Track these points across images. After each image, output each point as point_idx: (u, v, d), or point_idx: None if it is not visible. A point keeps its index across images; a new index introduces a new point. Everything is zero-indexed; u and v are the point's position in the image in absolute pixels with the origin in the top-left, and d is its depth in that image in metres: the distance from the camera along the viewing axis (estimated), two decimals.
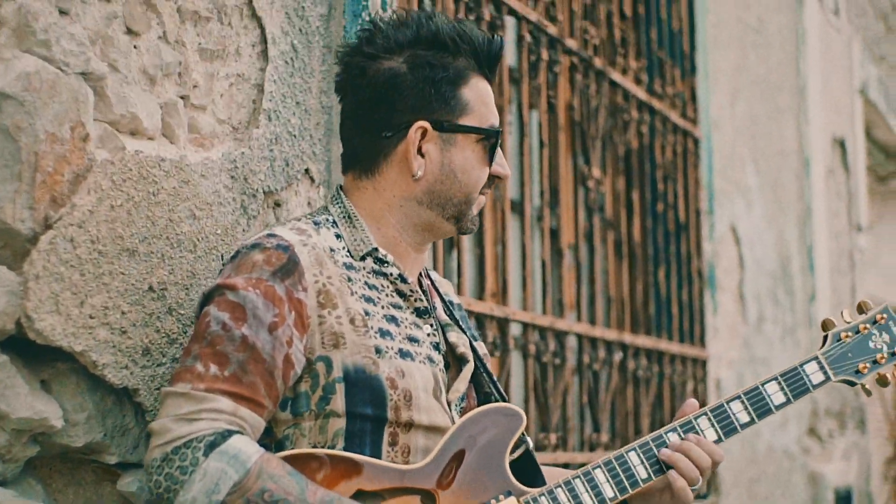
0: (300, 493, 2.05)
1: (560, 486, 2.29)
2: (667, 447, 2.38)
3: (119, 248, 2.24)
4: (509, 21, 4.01)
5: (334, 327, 2.21)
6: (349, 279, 2.26)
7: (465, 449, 2.24)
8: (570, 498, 2.28)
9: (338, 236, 2.31)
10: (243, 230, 2.56)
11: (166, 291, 2.34)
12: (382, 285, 2.31)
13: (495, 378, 2.49)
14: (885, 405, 10.71)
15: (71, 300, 2.14)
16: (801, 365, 2.52)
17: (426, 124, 2.30)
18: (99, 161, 2.21)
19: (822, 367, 2.53)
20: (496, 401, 2.42)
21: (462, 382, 2.38)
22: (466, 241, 3.70)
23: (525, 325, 3.99)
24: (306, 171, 2.81)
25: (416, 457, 2.24)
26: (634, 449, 2.38)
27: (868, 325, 2.58)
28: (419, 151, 2.31)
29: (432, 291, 2.46)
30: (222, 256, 2.48)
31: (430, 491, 2.19)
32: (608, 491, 2.32)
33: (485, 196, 2.39)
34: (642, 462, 2.37)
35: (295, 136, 2.77)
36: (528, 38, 4.08)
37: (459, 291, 3.52)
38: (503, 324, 3.82)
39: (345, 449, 2.19)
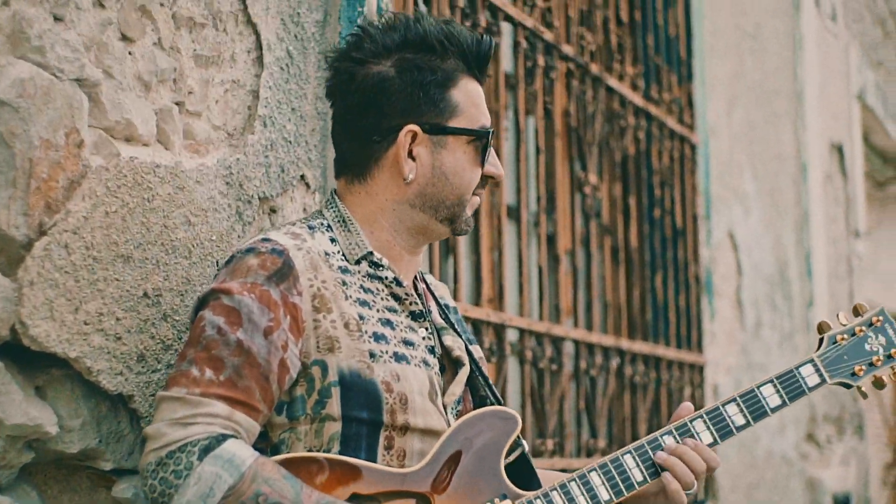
0: (295, 497, 2.05)
1: (555, 489, 2.29)
2: (662, 450, 2.38)
3: (114, 254, 2.24)
4: (505, 27, 4.01)
5: (329, 331, 2.21)
6: (344, 283, 2.26)
7: (461, 452, 2.24)
8: (566, 501, 2.28)
9: (333, 240, 2.31)
10: (238, 236, 2.56)
11: (161, 298, 2.34)
12: (378, 289, 2.31)
13: (491, 382, 2.49)
14: (883, 411, 10.71)
15: (65, 306, 2.14)
16: (797, 367, 2.52)
17: (416, 128, 2.30)
18: (93, 167, 2.21)
19: (817, 370, 2.53)
20: (492, 404, 2.42)
21: (458, 386, 2.38)
22: (463, 247, 3.70)
23: (522, 331, 3.99)
24: (302, 177, 2.81)
25: (412, 460, 2.24)
26: (630, 452, 2.38)
27: (864, 328, 2.58)
28: (410, 155, 2.32)
29: (427, 295, 2.46)
30: (217, 263, 2.48)
31: (425, 494, 2.19)
32: (604, 494, 2.32)
33: (478, 197, 2.39)
34: (638, 465, 2.37)
35: (290, 142, 2.77)
36: (524, 44, 4.08)
37: (456, 297, 3.52)
38: (500, 330, 3.82)
39: (340, 453, 2.19)
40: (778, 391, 2.49)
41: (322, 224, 2.33)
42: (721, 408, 2.45)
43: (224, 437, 2.06)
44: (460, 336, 2.45)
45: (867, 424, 8.78)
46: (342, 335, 2.21)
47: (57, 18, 2.16)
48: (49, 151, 2.12)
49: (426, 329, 2.35)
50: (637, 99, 4.92)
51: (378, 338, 2.25)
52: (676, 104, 5.33)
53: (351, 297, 2.26)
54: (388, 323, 2.29)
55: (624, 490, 2.34)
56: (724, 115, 5.87)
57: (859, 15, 9.03)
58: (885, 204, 11.02)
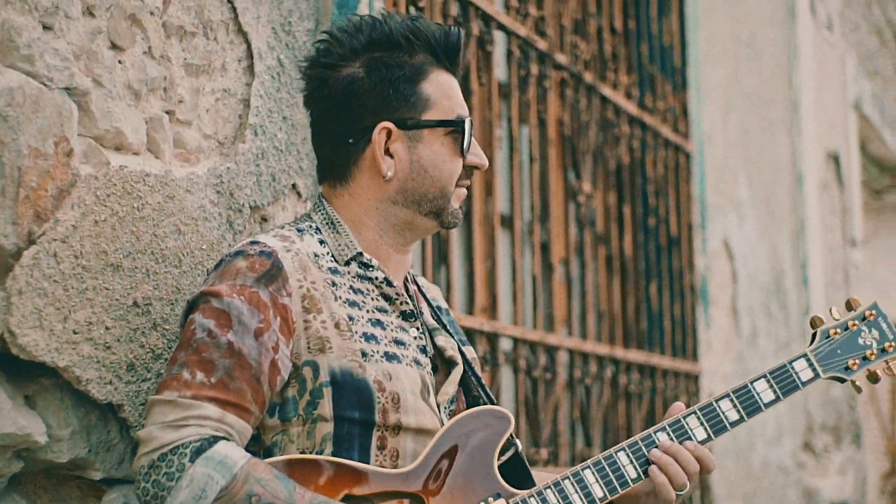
0: (288, 497, 2.06)
1: (549, 487, 2.28)
2: (656, 447, 2.38)
3: (103, 263, 2.24)
4: (499, 36, 4.01)
5: (320, 332, 2.21)
6: (334, 284, 2.26)
7: (455, 452, 2.24)
8: (560, 499, 2.28)
9: (322, 242, 2.31)
10: (229, 245, 2.56)
11: (151, 307, 2.34)
12: (367, 289, 2.31)
13: (484, 382, 2.49)
14: (881, 419, 10.70)
15: (55, 315, 2.14)
16: (790, 362, 2.51)
17: (389, 124, 2.31)
18: (83, 176, 2.21)
19: (811, 364, 2.52)
20: (485, 404, 2.42)
21: (451, 385, 2.38)
22: (456, 256, 3.70)
23: (515, 340, 3.99)
24: (293, 186, 2.81)
25: (405, 461, 2.24)
26: (624, 449, 2.37)
27: (857, 322, 2.57)
28: (387, 152, 2.32)
29: (419, 296, 2.46)
30: (208, 272, 2.48)
31: (419, 495, 2.19)
32: (598, 491, 2.31)
33: (464, 188, 2.38)
34: (632, 462, 2.36)
35: (282, 150, 2.77)
36: (517, 53, 4.09)
37: (449, 306, 3.51)
38: (493, 339, 3.82)
39: (333, 454, 2.19)
40: (771, 386, 2.48)
41: (311, 227, 2.34)
42: (714, 403, 2.44)
43: (216, 439, 2.06)
44: (453, 337, 2.45)
45: (865, 433, 8.77)
46: (333, 335, 2.22)
47: (46, 27, 2.16)
48: (38, 160, 2.12)
49: (417, 329, 2.35)
50: (631, 108, 4.92)
51: (368, 338, 2.25)
52: (671, 113, 5.34)
53: (340, 297, 2.26)
54: (378, 323, 2.29)
55: (618, 487, 2.34)
56: (720, 122, 5.87)
57: (856, 24, 9.04)
58: (881, 213, 11.02)
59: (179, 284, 2.41)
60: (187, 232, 2.44)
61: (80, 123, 2.23)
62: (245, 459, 2.06)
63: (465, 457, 2.24)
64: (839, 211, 8.26)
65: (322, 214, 2.36)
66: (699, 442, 2.41)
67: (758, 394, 2.47)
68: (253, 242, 2.25)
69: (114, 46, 2.32)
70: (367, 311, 2.29)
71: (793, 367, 2.50)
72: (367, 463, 2.21)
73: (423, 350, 2.35)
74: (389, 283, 2.33)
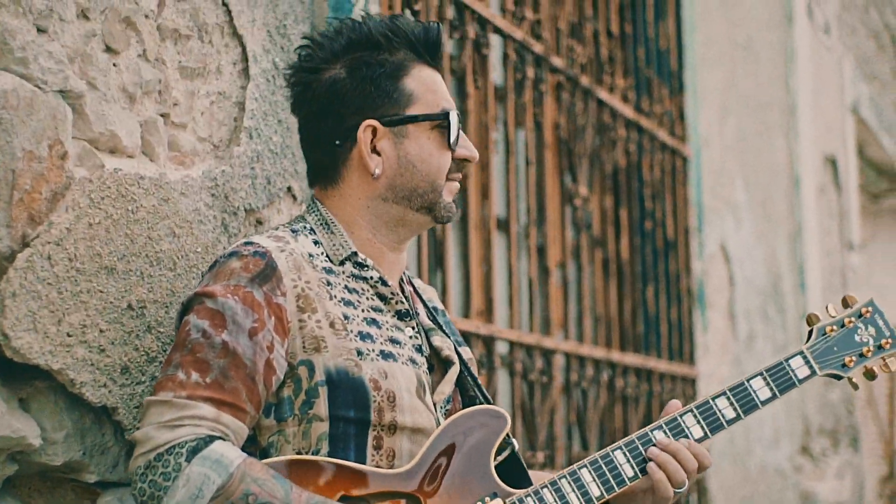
0: (285, 496, 2.06)
1: (546, 486, 2.28)
2: (654, 445, 2.37)
3: (97, 265, 2.24)
4: (495, 39, 4.01)
5: (315, 331, 2.22)
6: (328, 283, 2.27)
7: (451, 452, 2.24)
8: (557, 498, 2.28)
9: (316, 243, 2.32)
10: (224, 248, 2.56)
11: (145, 309, 2.34)
12: (362, 289, 2.32)
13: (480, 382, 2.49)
14: (879, 423, 10.70)
15: (48, 318, 2.14)
16: (787, 360, 2.50)
17: (374, 122, 2.32)
18: (77, 179, 2.21)
19: (807, 362, 2.52)
20: (481, 404, 2.42)
21: (447, 384, 2.38)
22: (452, 260, 3.70)
23: (511, 344, 3.98)
24: (288, 188, 2.81)
25: (402, 461, 2.24)
26: (620, 447, 2.37)
27: (853, 319, 2.57)
28: (374, 150, 2.33)
29: (415, 298, 2.47)
30: (202, 274, 2.48)
31: (415, 495, 2.19)
32: (594, 490, 2.31)
33: (456, 182, 2.39)
34: (628, 460, 2.36)
35: (277, 153, 2.77)
36: (513, 56, 4.09)
37: (445, 309, 3.51)
38: (489, 342, 3.81)
39: (329, 454, 2.20)
40: (768, 384, 2.47)
41: (305, 227, 2.34)
42: (711, 401, 2.44)
43: (212, 439, 2.07)
44: (449, 337, 2.45)
45: (862, 437, 8.77)
46: (328, 334, 2.22)
47: (40, 30, 2.16)
48: (32, 163, 2.12)
49: (413, 328, 2.36)
50: (628, 111, 4.93)
51: (364, 336, 2.26)
52: (668, 116, 5.34)
53: (335, 297, 2.26)
54: (373, 322, 2.29)
55: (615, 486, 2.33)
56: (716, 126, 5.87)
57: (853, 28, 9.04)
58: (879, 217, 11.03)
59: (174, 287, 2.41)
60: (182, 235, 2.44)
61: (75, 126, 2.23)
62: (241, 459, 2.06)
63: (461, 456, 2.25)
64: (836, 214, 8.26)
65: (316, 215, 2.36)
66: (696, 440, 2.40)
67: (754, 391, 2.47)
68: (247, 243, 2.25)
69: (108, 49, 2.32)
70: (363, 311, 2.29)
71: (789, 365, 2.50)
72: (364, 463, 2.21)
73: (419, 349, 2.35)
74: (384, 283, 2.33)
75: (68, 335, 2.18)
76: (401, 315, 2.35)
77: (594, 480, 2.32)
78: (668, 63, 5.37)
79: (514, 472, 2.36)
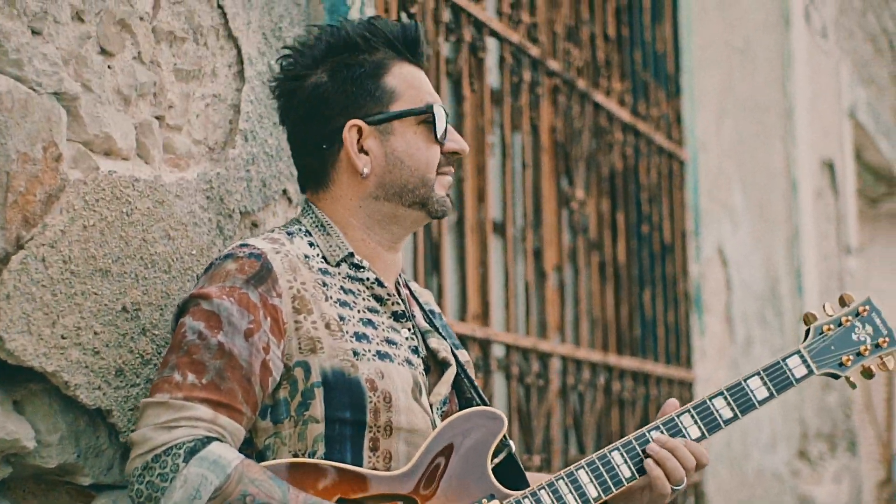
0: (282, 498, 2.06)
1: (543, 487, 2.28)
2: (652, 442, 2.37)
3: (92, 268, 2.24)
4: (491, 43, 4.01)
5: (311, 332, 2.22)
6: (324, 284, 2.27)
7: (448, 453, 2.24)
8: (554, 500, 2.27)
9: (311, 244, 2.33)
10: (219, 250, 2.56)
11: (140, 312, 2.34)
12: (358, 290, 2.32)
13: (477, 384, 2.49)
14: (877, 427, 10.69)
15: (43, 320, 2.14)
16: (784, 359, 2.49)
17: (358, 122, 2.33)
18: (72, 181, 2.20)
19: (804, 361, 2.51)
20: (477, 405, 2.42)
21: (444, 386, 2.38)
22: (448, 263, 3.69)
23: (508, 347, 3.98)
24: (284, 191, 2.80)
25: (399, 463, 2.24)
26: (618, 448, 2.36)
27: (850, 318, 2.56)
28: (362, 150, 2.34)
29: (411, 300, 2.47)
30: (198, 277, 2.48)
31: (412, 497, 2.19)
32: (592, 491, 2.31)
33: (447, 175, 2.39)
34: (626, 461, 2.35)
35: (272, 156, 2.77)
36: (509, 59, 4.09)
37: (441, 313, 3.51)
38: (485, 345, 3.81)
39: (325, 455, 2.20)
40: (765, 383, 2.47)
41: (300, 229, 2.35)
42: (708, 401, 2.43)
43: (209, 440, 2.07)
44: (445, 340, 2.45)
45: (860, 441, 8.77)
46: (324, 335, 2.22)
47: (35, 32, 2.16)
48: (27, 165, 2.11)
49: (409, 330, 2.36)
50: (625, 115, 4.93)
51: (360, 337, 2.26)
52: (664, 120, 5.34)
53: (331, 297, 2.27)
54: (369, 323, 2.29)
55: (612, 487, 2.33)
56: (713, 129, 5.87)
57: (850, 32, 9.05)
58: (876, 221, 11.03)
59: (169, 290, 2.41)
60: (177, 237, 2.44)
61: (69, 128, 2.23)
62: (239, 460, 2.06)
63: (458, 458, 2.25)
64: (834, 218, 8.26)
65: (311, 217, 2.37)
66: (694, 440, 2.40)
67: (751, 391, 2.46)
68: (242, 245, 2.26)
69: (103, 51, 2.32)
70: (359, 312, 2.29)
71: (786, 364, 2.50)
72: (360, 465, 2.21)
73: (415, 351, 2.35)
74: (381, 284, 2.34)
75: (62, 337, 2.17)
76: (397, 316, 2.35)
77: (591, 481, 2.32)
78: (665, 66, 5.37)
79: (511, 474, 2.36)
